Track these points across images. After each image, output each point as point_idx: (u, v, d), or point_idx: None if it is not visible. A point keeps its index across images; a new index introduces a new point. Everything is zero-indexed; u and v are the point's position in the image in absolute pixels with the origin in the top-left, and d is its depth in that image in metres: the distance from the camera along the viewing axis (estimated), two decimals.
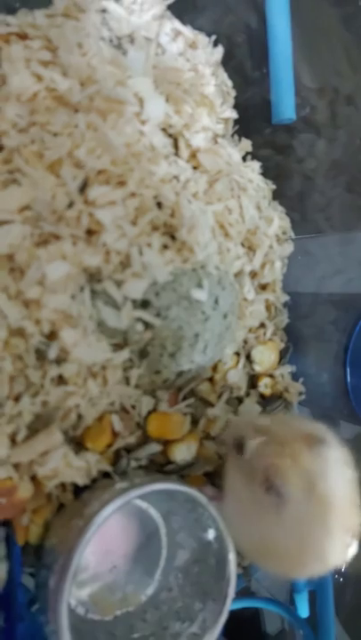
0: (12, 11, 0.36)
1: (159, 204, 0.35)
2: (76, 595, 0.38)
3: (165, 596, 0.41)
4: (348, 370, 0.55)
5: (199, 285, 0.36)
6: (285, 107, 0.48)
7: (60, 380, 0.34)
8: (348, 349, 0.54)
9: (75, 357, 0.33)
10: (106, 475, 0.37)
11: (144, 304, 0.35)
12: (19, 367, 0.33)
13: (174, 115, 0.36)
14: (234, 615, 0.38)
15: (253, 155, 0.46)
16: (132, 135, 0.33)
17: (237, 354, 0.43)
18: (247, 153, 0.46)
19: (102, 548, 0.40)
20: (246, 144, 0.45)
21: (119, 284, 0.33)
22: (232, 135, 0.46)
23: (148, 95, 0.34)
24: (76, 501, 0.36)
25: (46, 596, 0.33)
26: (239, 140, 0.46)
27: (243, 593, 0.51)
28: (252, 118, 0.47)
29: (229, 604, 0.37)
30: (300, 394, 0.45)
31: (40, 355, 0.33)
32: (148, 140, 0.35)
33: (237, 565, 0.39)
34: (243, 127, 0.46)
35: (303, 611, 0.49)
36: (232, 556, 0.37)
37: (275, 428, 0.33)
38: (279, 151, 0.48)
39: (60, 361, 0.33)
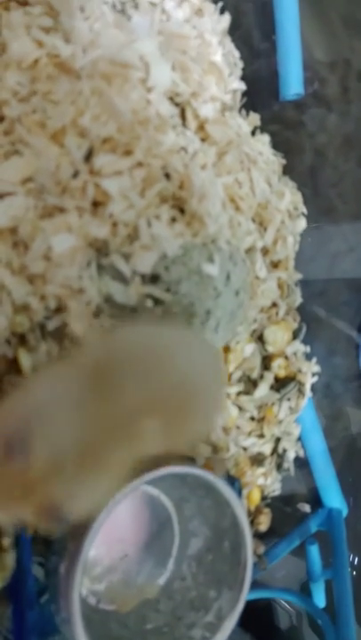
0: None
1: (167, 176, 0.34)
2: (90, 588, 0.37)
3: (179, 585, 0.39)
4: (360, 352, 0.54)
5: (210, 260, 0.34)
6: (293, 82, 0.47)
7: None
8: (360, 330, 0.53)
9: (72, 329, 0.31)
10: None
11: (153, 279, 0.33)
12: None
13: (181, 82, 0.35)
14: (248, 607, 0.37)
15: (262, 129, 0.44)
16: (138, 102, 0.32)
17: (250, 335, 0.41)
18: (256, 127, 0.44)
19: (113, 537, 0.39)
20: (255, 118, 0.44)
21: (127, 257, 0.32)
22: (239, 110, 0.44)
23: (155, 59, 0.33)
24: None
25: (57, 583, 0.31)
26: (247, 114, 0.44)
27: (257, 584, 0.50)
28: (260, 92, 0.45)
29: (246, 591, 0.35)
30: (314, 374, 0.44)
31: (44, 332, 0.32)
32: (155, 109, 0.33)
33: (252, 553, 0.38)
34: (250, 101, 0.44)
35: (320, 600, 0.48)
36: (248, 541, 0.35)
37: None
38: (289, 126, 0.47)
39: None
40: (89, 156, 0.31)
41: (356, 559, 0.55)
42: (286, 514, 0.51)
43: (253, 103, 0.44)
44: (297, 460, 0.47)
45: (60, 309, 0.32)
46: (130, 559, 0.39)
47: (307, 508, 0.51)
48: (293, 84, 0.46)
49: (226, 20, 0.41)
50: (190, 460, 0.38)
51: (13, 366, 0.32)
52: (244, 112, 0.44)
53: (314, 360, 0.44)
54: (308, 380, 0.43)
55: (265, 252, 0.41)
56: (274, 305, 0.43)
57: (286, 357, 0.42)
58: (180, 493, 0.40)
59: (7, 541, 0.33)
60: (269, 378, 0.42)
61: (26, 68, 0.32)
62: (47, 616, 0.33)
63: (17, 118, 0.32)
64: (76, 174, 0.31)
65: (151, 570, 0.40)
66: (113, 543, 0.39)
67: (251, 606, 0.37)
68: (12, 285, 0.31)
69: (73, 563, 0.30)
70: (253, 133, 0.44)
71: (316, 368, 0.44)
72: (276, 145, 0.44)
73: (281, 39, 0.46)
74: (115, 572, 0.39)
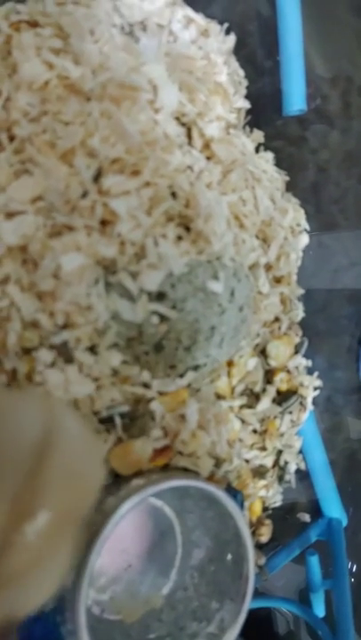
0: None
1: (173, 194, 0.35)
2: (95, 598, 0.37)
3: (181, 595, 0.40)
4: (360, 364, 0.54)
5: (215, 277, 0.35)
6: (296, 98, 0.47)
7: None
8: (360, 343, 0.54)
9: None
10: None
11: (160, 297, 0.34)
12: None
13: (188, 103, 0.36)
14: (248, 616, 0.37)
15: (266, 146, 0.45)
16: (146, 123, 0.33)
17: (253, 349, 0.42)
18: (259, 144, 0.45)
19: (117, 547, 0.39)
20: (258, 135, 0.44)
21: (134, 275, 0.32)
22: (243, 127, 0.45)
23: (162, 82, 0.33)
24: None
25: (63, 595, 0.32)
26: (250, 131, 0.45)
27: (257, 593, 0.51)
28: (264, 109, 0.46)
29: (248, 604, 0.36)
30: (316, 388, 0.45)
31: (53, 348, 0.33)
32: (162, 129, 0.34)
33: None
34: (254, 118, 0.45)
35: (320, 610, 0.49)
36: (250, 554, 0.36)
37: None
38: (291, 142, 0.47)
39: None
40: (98, 177, 0.32)
41: (355, 567, 0.55)
42: (286, 523, 0.51)
43: (257, 120, 0.45)
44: (298, 471, 0.48)
45: (67, 325, 0.32)
46: (133, 569, 0.39)
47: (307, 517, 0.52)
48: (296, 99, 0.47)
49: (231, 40, 0.42)
50: (194, 473, 0.39)
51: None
52: (247, 128, 0.45)
53: (315, 374, 0.45)
54: (310, 394, 0.44)
55: (268, 267, 0.41)
56: (276, 319, 0.43)
57: (288, 371, 0.43)
58: (182, 504, 0.40)
59: None
60: (272, 391, 0.42)
61: (36, 89, 0.33)
62: (52, 627, 0.33)
63: (27, 138, 0.33)
64: (85, 194, 0.32)
65: (154, 580, 0.40)
66: (117, 554, 0.39)
67: (251, 615, 0.37)
68: (21, 302, 0.31)
69: (79, 575, 0.31)
70: (257, 150, 0.44)
71: (318, 382, 0.45)
72: (279, 161, 0.45)
73: (285, 56, 0.46)
74: (119, 583, 0.39)
